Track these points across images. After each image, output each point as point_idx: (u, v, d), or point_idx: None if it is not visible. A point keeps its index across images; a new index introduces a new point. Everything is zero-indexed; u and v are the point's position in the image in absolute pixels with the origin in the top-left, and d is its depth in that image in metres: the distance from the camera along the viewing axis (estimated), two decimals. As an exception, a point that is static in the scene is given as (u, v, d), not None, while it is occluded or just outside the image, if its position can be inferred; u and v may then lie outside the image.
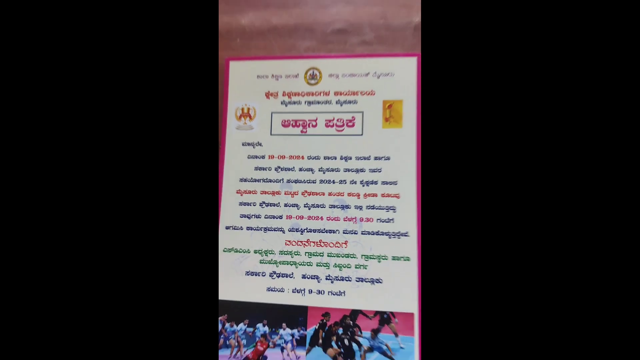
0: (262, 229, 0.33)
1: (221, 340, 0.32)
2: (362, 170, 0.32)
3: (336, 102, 0.34)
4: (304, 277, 0.32)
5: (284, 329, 0.31)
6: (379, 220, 0.32)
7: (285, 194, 0.33)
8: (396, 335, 0.30)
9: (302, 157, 0.33)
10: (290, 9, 0.37)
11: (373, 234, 0.32)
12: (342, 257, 0.32)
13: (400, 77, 0.33)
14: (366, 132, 0.33)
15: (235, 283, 0.32)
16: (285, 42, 0.36)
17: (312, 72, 0.34)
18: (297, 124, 0.34)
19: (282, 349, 0.31)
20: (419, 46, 0.34)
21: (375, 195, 0.32)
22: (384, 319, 0.30)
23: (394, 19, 0.35)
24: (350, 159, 0.33)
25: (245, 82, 0.35)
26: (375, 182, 0.32)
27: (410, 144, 0.32)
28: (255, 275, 0.32)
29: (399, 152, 0.32)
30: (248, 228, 0.33)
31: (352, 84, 0.34)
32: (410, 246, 0.31)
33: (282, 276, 0.32)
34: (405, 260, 0.31)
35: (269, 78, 0.35)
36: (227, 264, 0.33)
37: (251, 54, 0.36)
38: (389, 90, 0.33)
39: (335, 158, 0.33)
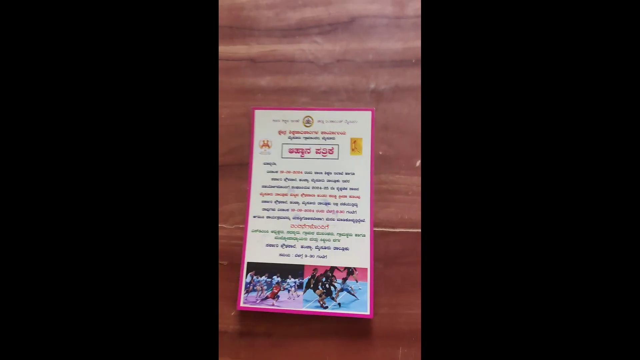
0: (276, 218, 0.53)
1: (250, 287, 0.51)
2: (337, 181, 0.52)
3: (322, 138, 0.54)
4: (302, 247, 0.52)
5: (290, 279, 0.51)
6: (347, 212, 0.51)
7: (290, 195, 0.53)
8: (356, 281, 0.50)
9: (301, 172, 0.53)
10: (293, 75, 0.56)
11: (344, 220, 0.51)
12: (325, 234, 0.51)
13: (361, 123, 0.53)
14: (340, 157, 0.53)
15: (259, 251, 0.52)
16: (290, 98, 0.56)
17: (307, 119, 0.54)
18: (298, 151, 0.54)
19: (288, 291, 0.51)
20: (373, 104, 0.54)
21: (345, 196, 0.52)
22: (350, 271, 0.50)
23: (358, 86, 0.55)
24: (330, 174, 0.53)
25: (265, 124, 0.55)
26: (345, 189, 0.52)
27: (367, 165, 0.52)
28: (272, 246, 0.52)
29: (360, 170, 0.52)
30: (267, 217, 0.53)
31: (332, 127, 0.54)
32: (365, 228, 0.51)
33: (288, 247, 0.52)
34: (362, 236, 0.51)
35: (280, 121, 0.55)
36: (254, 239, 0.52)
37: (268, 105, 0.56)
38: (354, 131, 0.53)
39: (321, 173, 0.53)
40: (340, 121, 0.54)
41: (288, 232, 0.52)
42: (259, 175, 0.54)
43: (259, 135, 0.55)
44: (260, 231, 0.53)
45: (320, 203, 0.52)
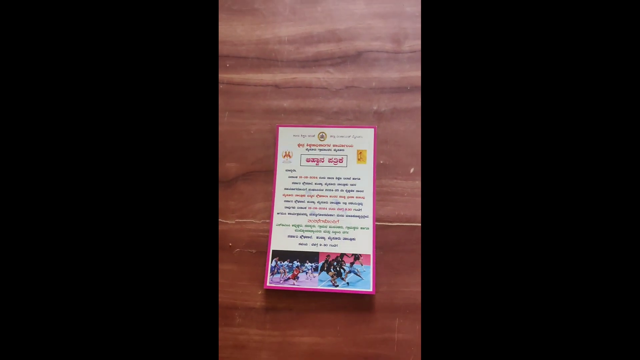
0: (296, 214, 0.65)
1: (275, 270, 0.63)
2: (346, 184, 0.64)
3: (334, 150, 0.66)
4: (317, 237, 0.63)
5: (307, 263, 0.63)
6: (354, 210, 0.63)
7: (307, 196, 0.65)
8: (361, 265, 0.62)
9: (316, 177, 0.65)
10: (310, 98, 0.69)
11: (351, 216, 0.63)
12: (336, 227, 0.63)
13: (366, 138, 0.65)
14: (348, 165, 0.65)
15: (282, 241, 0.64)
16: (307, 117, 0.68)
17: (322, 134, 0.67)
18: (314, 160, 0.66)
19: (306, 273, 0.62)
20: (375, 122, 0.66)
21: (352, 197, 0.64)
22: (356, 257, 0.62)
23: (363, 108, 0.67)
24: (340, 179, 0.65)
25: (287, 138, 0.67)
26: (353, 191, 0.64)
27: (370, 171, 0.64)
28: (293, 237, 0.64)
29: (364, 176, 0.64)
30: (289, 213, 0.65)
31: (342, 141, 0.66)
32: (369, 222, 0.63)
33: (306, 237, 0.64)
34: (366, 229, 0.63)
35: (299, 136, 0.67)
36: (278, 231, 0.64)
37: (290, 123, 0.68)
38: (360, 144, 0.65)
39: (333, 178, 0.65)
40: (349, 136, 0.66)
41: (306, 225, 0.64)
42: (281, 180, 0.66)
43: (282, 147, 0.67)
44: (283, 225, 0.65)
45: (332, 202, 0.64)
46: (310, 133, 0.67)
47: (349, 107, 0.68)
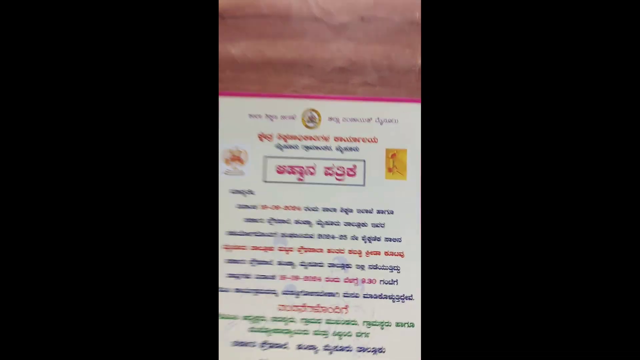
0: (253, 292, 0.29)
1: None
2: (364, 225, 0.30)
3: (337, 149, 0.31)
4: (299, 347, 0.28)
5: (278, 408, 0.28)
6: (382, 283, 0.29)
7: (278, 250, 0.30)
8: (401, 411, 0.27)
9: (299, 209, 0.30)
10: (289, 40, 0.33)
11: (376, 297, 0.29)
12: (342, 323, 0.29)
13: (404, 124, 0.31)
14: (368, 183, 0.30)
15: (221, 355, 0.28)
16: (279, 77, 0.33)
17: (311, 115, 0.31)
18: (292, 170, 0.31)
19: None
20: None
21: (378, 253, 0.29)
22: (388, 394, 0.28)
23: (397, 60, 0.32)
24: (352, 211, 0.30)
25: (237, 119, 0.31)
26: (379, 239, 0.29)
27: (413, 196, 0.30)
28: (245, 345, 0.28)
29: (402, 205, 0.30)
30: (237, 290, 0.29)
31: (354, 129, 0.31)
32: (415, 310, 0.28)
33: (274, 347, 0.28)
34: (410, 326, 0.28)
35: (261, 117, 0.31)
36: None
37: (242, 90, 0.32)
38: (392, 139, 0.31)
39: (335, 211, 0.30)
40: (369, 119, 0.31)
41: (274, 318, 0.29)
42: (224, 214, 0.30)
43: (224, 142, 0.31)
44: (225, 317, 0.29)
45: (333, 265, 0.29)
46: (288, 110, 0.31)
47: (366, 57, 0.33)
